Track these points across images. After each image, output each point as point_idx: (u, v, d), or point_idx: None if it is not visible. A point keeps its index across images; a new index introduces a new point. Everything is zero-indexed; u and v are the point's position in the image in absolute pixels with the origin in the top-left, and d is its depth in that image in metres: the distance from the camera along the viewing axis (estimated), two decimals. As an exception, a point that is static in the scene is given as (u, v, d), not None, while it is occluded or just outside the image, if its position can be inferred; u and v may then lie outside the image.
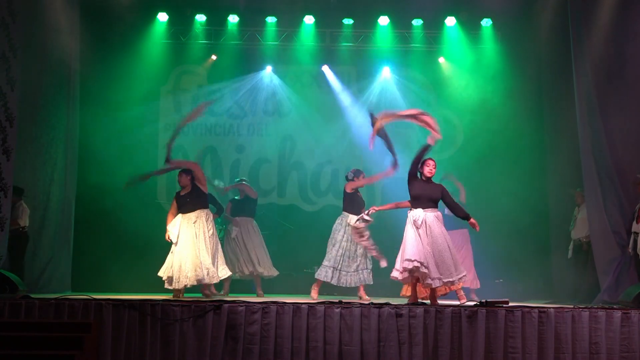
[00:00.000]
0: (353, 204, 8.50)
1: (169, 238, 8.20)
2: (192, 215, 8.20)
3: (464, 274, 7.38)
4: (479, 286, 9.39)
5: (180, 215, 8.24)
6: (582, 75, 8.71)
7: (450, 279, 7.22)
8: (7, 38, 7.48)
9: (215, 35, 11.27)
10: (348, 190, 8.55)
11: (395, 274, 7.27)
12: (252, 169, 11.32)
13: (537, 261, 10.35)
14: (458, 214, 7.44)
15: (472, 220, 7.34)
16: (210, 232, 8.21)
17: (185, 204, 8.25)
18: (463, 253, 9.27)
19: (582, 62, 8.73)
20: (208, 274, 8.02)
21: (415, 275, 7.18)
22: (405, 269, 7.13)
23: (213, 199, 8.94)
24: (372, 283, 8.50)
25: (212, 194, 8.91)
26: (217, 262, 8.27)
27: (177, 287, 8.05)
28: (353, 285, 8.39)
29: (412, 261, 7.06)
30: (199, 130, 11.53)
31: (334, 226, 8.52)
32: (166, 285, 8.21)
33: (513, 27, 10.95)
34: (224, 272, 8.41)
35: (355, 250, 8.37)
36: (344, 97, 11.43)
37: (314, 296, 8.39)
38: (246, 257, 9.31)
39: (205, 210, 8.31)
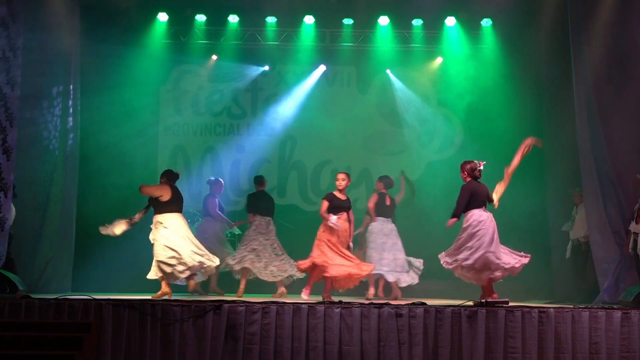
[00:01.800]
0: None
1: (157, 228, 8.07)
2: (180, 213, 8.22)
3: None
4: None
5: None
6: (582, 76, 8.72)
7: None
8: (7, 38, 7.48)
9: (215, 35, 11.27)
10: None
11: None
12: (252, 169, 11.31)
13: (537, 261, 10.31)
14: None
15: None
16: None
17: (179, 200, 8.22)
18: None
19: (581, 63, 8.74)
20: (209, 259, 8.08)
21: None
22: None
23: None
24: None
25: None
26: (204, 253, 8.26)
27: (184, 275, 8.05)
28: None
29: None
30: (199, 130, 11.54)
31: None
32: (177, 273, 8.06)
33: (513, 27, 10.94)
34: (215, 259, 8.31)
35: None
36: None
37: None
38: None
39: None
